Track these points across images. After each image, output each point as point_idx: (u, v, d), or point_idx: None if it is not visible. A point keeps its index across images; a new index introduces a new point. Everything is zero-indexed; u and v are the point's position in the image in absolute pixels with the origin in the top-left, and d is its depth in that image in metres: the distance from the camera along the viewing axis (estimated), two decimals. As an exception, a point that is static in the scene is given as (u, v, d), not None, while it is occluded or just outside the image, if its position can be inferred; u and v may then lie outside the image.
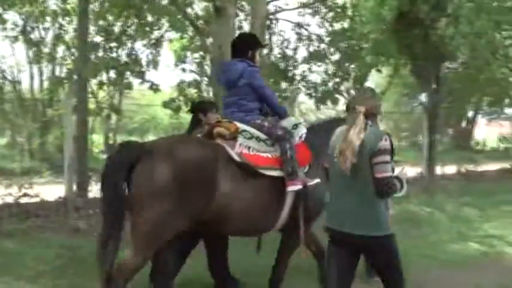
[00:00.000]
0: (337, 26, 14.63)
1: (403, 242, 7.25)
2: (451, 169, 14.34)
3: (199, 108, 5.02)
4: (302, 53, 14.98)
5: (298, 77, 14.18)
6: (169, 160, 3.49)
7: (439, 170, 13.09)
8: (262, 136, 4.06)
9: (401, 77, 18.72)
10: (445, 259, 5.97)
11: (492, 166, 16.34)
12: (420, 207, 9.04)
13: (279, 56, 14.33)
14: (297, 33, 14.38)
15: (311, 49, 14.31)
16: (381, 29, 13.57)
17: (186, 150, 3.64)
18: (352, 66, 14.64)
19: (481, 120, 30.08)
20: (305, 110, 22.06)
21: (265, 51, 13.45)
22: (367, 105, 3.19)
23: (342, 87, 14.62)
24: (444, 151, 16.39)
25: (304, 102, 18.17)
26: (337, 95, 14.08)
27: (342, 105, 18.95)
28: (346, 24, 14.43)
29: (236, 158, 3.81)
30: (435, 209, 8.91)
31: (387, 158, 3.11)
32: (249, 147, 3.93)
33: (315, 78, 14.63)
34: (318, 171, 4.19)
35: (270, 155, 4.01)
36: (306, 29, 14.37)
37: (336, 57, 14.34)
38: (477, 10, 11.76)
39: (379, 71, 15.23)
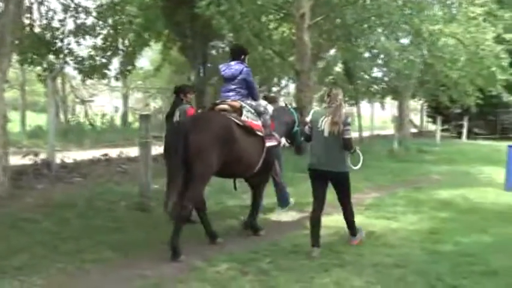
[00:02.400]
0: (105, -1, 14.28)
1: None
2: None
3: (180, 89, 7.12)
4: (71, 26, 14.19)
5: (65, 51, 13.64)
6: (210, 128, 5.62)
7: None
8: (252, 110, 6.26)
9: (172, 54, 19.15)
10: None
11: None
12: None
13: (43, 27, 13.48)
14: (63, 4, 13.61)
15: (78, 22, 13.71)
16: (148, 5, 13.73)
17: (217, 121, 5.76)
18: (123, 41, 14.60)
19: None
20: (76, 85, 21.39)
21: (27, 21, 12.64)
22: (341, 94, 5.68)
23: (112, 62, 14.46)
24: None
25: (75, 77, 17.52)
26: (105, 70, 13.92)
27: (113, 81, 18.80)
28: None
29: (243, 124, 5.98)
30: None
31: (349, 127, 5.61)
32: (248, 117, 6.12)
33: (84, 52, 14.29)
34: (276, 135, 6.65)
35: (257, 123, 6.24)
36: (72, 0, 13.72)
37: (105, 31, 14.10)
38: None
39: (148, 46, 15.41)
